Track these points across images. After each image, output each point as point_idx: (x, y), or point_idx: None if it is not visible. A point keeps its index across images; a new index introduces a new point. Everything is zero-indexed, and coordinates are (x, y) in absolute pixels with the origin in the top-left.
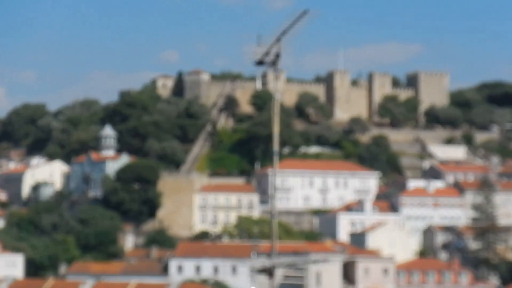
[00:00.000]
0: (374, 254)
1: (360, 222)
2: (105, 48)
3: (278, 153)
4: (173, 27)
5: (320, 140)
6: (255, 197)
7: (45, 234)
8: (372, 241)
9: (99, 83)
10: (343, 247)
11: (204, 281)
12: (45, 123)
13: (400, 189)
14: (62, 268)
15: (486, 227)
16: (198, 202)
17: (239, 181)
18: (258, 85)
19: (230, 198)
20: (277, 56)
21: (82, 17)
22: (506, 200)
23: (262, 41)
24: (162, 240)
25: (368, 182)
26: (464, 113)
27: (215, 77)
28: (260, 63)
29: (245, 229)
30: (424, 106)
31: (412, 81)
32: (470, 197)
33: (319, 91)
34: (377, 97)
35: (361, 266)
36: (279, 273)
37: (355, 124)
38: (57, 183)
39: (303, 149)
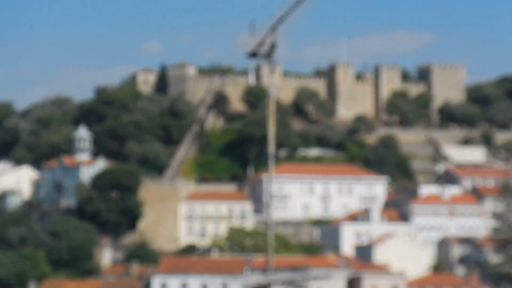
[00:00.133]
0: (382, 270)
1: (366, 234)
2: (78, 40)
3: (274, 156)
4: (155, 14)
5: (320, 142)
6: (248, 206)
7: (12, 248)
8: (380, 255)
9: (72, 79)
10: (347, 262)
11: None
12: (12, 124)
13: (411, 196)
14: (31, 287)
15: (508, 238)
16: (184, 211)
17: (230, 188)
18: (251, 79)
19: (220, 207)
20: (272, 47)
21: (52, 5)
22: None
23: (256, 30)
24: (144, 255)
25: (375, 189)
26: (482, 110)
27: (202, 71)
28: (253, 55)
29: (237, 242)
30: (437, 102)
31: (424, 75)
32: (490, 205)
33: (319, 86)
34: (385, 92)
35: (368, 283)
36: None
37: (360, 123)
38: (25, 192)
39: (301, 152)
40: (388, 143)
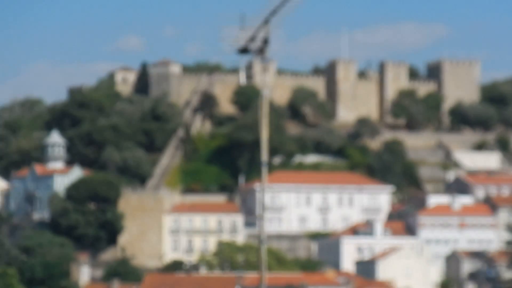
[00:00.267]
0: (386, 287)
1: (369, 248)
2: (48, 33)
3: (267, 163)
4: (135, 6)
5: (319, 147)
6: (239, 219)
7: None
8: (384, 271)
9: (42, 78)
10: (347, 278)
11: None
12: None
13: (418, 206)
14: None
15: None
16: (169, 225)
17: (219, 198)
18: (242, 78)
19: (208, 220)
20: (265, 42)
21: None
22: None
23: (246, 23)
24: (125, 272)
25: (378, 199)
26: (498, 111)
27: (187, 69)
28: (244, 51)
29: (227, 257)
30: (448, 103)
31: (434, 72)
32: (504, 216)
33: (317, 85)
34: (390, 92)
35: None
36: None
37: (363, 126)
38: None
39: (298, 159)
40: (393, 149)
